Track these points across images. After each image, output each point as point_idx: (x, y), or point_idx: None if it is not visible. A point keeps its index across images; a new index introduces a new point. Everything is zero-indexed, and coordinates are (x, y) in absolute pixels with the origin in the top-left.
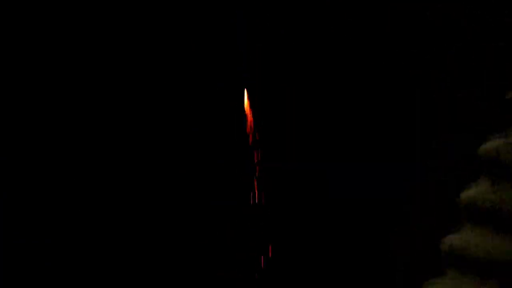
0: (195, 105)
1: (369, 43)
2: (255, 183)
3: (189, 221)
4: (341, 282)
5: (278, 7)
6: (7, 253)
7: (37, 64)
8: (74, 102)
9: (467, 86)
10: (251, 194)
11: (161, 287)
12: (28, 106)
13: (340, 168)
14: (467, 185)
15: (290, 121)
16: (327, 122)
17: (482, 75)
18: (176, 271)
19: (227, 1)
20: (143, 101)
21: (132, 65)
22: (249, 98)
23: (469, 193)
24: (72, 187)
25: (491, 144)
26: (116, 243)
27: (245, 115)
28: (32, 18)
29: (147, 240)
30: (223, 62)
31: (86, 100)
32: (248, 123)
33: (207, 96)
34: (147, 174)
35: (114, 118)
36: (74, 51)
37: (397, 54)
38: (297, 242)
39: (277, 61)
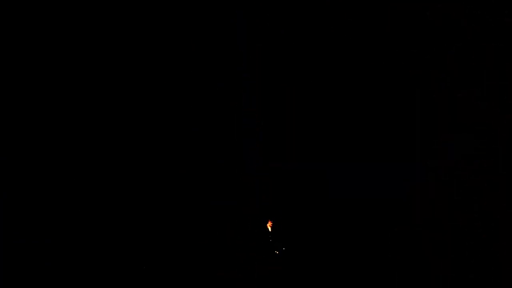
0: (195, 105)
1: (369, 43)
2: (256, 183)
3: (189, 221)
4: (341, 281)
5: (278, 7)
6: (7, 253)
7: (37, 64)
8: (73, 102)
9: (467, 86)
10: (251, 194)
11: (161, 287)
12: (28, 106)
13: (340, 168)
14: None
15: (291, 121)
16: (327, 123)
17: (482, 75)
18: (176, 271)
19: (227, 1)
20: (143, 101)
21: (132, 65)
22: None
23: None
24: (71, 187)
25: None
26: (116, 243)
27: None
28: (32, 18)
29: (147, 240)
30: (223, 62)
31: (86, 100)
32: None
33: (207, 96)
34: (147, 174)
35: (114, 118)
36: (73, 51)
37: (397, 54)
38: (297, 242)
39: (277, 61)
